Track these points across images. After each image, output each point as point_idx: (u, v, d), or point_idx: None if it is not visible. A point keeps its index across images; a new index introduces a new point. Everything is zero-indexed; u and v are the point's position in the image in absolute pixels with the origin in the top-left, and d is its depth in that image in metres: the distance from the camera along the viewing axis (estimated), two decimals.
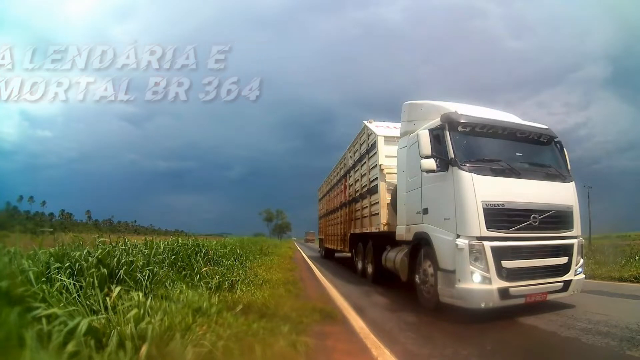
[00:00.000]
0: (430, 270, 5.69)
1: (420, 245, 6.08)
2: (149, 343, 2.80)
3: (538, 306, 5.49)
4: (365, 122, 9.72)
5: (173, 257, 6.27)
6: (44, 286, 3.17)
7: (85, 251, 4.27)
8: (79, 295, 3.42)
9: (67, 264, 3.94)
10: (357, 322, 5.02)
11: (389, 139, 8.44)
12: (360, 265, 10.52)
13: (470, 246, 4.89)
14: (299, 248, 35.61)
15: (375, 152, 8.64)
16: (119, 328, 2.87)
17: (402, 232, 6.88)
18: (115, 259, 4.39)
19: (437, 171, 5.46)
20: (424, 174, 5.78)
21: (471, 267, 4.87)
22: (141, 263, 4.70)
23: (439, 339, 4.34)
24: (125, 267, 4.36)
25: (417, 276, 6.19)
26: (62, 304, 2.96)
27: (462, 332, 4.63)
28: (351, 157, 11.51)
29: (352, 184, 11.32)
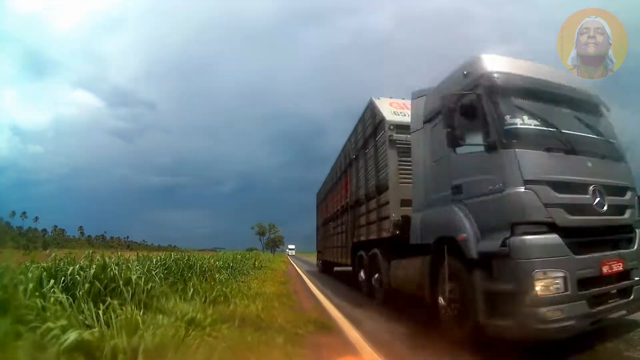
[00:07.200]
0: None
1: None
2: (141, 357, 2.79)
3: None
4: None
5: (165, 271, 6.24)
6: (37, 300, 3.15)
7: (78, 266, 4.25)
8: (72, 309, 3.39)
9: (61, 279, 3.92)
10: (353, 334, 4.98)
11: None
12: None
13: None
14: (292, 262, 35.27)
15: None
16: (111, 342, 2.85)
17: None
18: (109, 273, 4.37)
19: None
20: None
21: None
22: (134, 277, 4.67)
23: (438, 350, 4.31)
24: (118, 281, 4.33)
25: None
26: (54, 317, 2.94)
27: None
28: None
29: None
